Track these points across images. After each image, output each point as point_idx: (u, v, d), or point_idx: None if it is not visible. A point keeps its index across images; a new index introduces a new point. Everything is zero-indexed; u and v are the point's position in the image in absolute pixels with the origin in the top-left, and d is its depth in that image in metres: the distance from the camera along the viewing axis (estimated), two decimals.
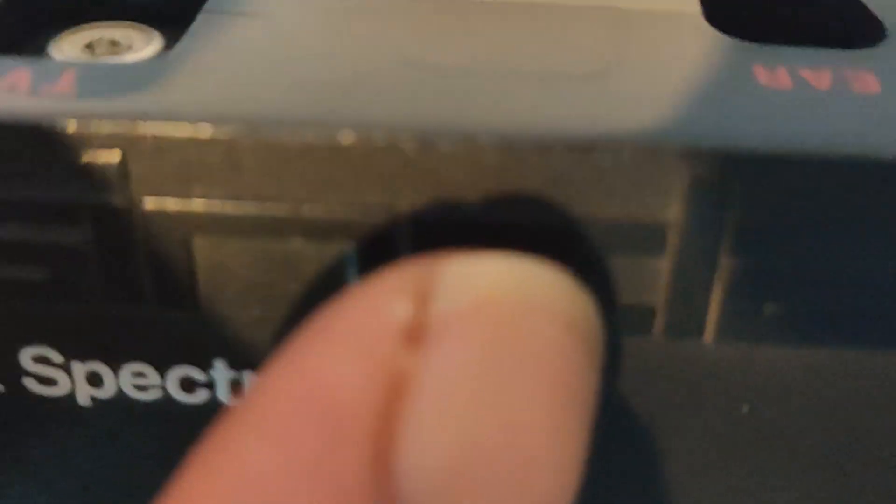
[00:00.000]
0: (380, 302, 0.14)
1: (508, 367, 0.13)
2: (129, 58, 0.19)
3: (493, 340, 0.13)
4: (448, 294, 0.14)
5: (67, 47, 0.19)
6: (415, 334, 0.13)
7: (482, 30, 0.18)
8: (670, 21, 0.19)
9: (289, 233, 0.17)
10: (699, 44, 0.18)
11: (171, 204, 0.17)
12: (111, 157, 0.16)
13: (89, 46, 0.19)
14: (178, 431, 0.19)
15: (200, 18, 0.18)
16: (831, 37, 0.20)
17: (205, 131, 0.16)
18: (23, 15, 0.20)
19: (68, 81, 0.17)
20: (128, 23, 0.20)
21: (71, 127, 0.16)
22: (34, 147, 0.16)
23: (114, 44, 0.19)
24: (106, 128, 0.16)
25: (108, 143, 0.16)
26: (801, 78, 0.17)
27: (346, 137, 0.16)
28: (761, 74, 0.17)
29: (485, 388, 0.13)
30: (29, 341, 0.18)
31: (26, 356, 0.19)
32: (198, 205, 0.16)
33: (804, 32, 0.20)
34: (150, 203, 0.17)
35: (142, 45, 0.19)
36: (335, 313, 0.14)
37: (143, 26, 0.20)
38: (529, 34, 0.18)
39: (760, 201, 0.16)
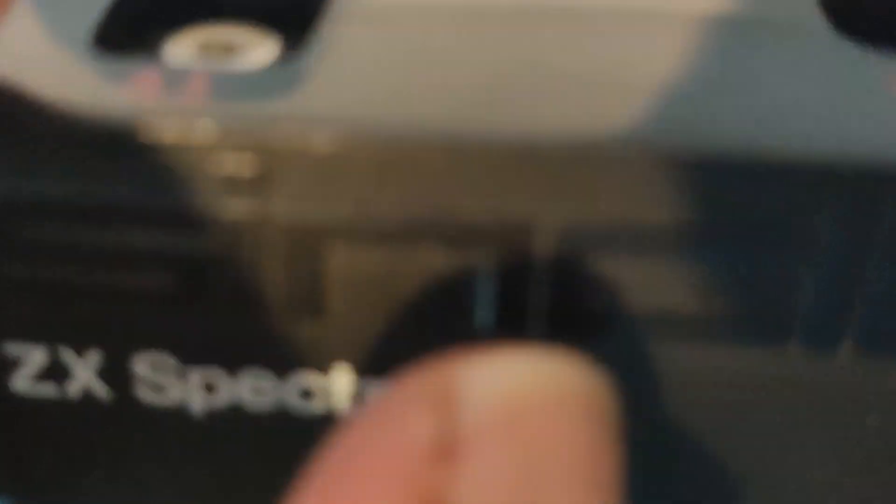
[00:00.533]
0: (403, 417, 0.13)
1: (544, 475, 0.13)
2: (247, 61, 0.18)
3: (527, 448, 0.13)
4: (474, 401, 0.13)
5: (183, 48, 0.19)
6: (444, 449, 0.13)
7: (612, 37, 0.18)
8: (792, 29, 0.18)
9: (423, 241, 0.16)
10: (828, 54, 0.18)
11: (306, 214, 0.16)
12: (247, 167, 0.16)
13: (203, 47, 0.19)
14: (292, 442, 0.18)
15: (325, 23, 0.18)
16: None
17: (342, 141, 0.16)
18: (134, 13, 0.19)
19: (199, 87, 0.16)
20: (241, 25, 0.19)
21: (207, 136, 0.16)
22: (166, 154, 0.16)
23: (228, 46, 0.19)
24: (242, 138, 0.16)
25: (244, 153, 0.16)
26: None
27: (488, 145, 0.16)
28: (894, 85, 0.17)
29: (522, 500, 0.13)
30: (143, 347, 0.18)
31: (140, 363, 0.18)
32: (333, 213, 0.16)
33: None
34: (284, 212, 0.16)
35: (259, 48, 0.19)
36: (356, 436, 0.14)
37: (257, 29, 0.19)
38: (661, 44, 0.18)
39: None
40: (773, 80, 0.17)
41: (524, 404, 0.13)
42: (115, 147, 0.16)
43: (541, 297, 0.17)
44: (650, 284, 0.17)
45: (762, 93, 0.17)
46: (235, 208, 0.16)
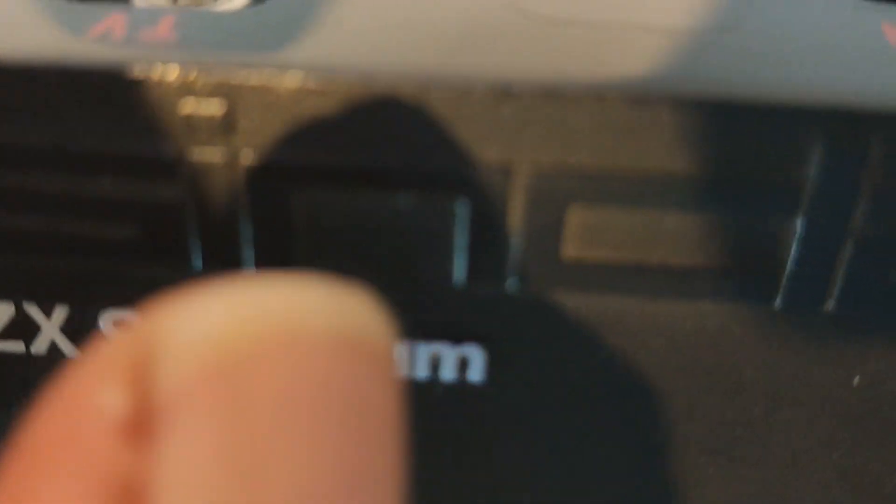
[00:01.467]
0: (88, 391, 0.10)
1: (268, 450, 0.10)
2: (219, 6, 0.18)
3: (242, 414, 0.10)
4: (172, 361, 0.10)
5: None
6: (138, 427, 0.10)
7: None
8: None
9: (396, 187, 0.16)
10: (826, 2, 0.17)
11: (276, 158, 0.16)
12: (214, 108, 0.15)
13: None
14: None
15: None
16: None
17: (314, 82, 0.15)
18: None
19: (167, 28, 0.16)
20: None
21: (173, 75, 0.15)
22: (132, 95, 0.15)
23: None
24: (210, 77, 0.15)
25: (211, 93, 0.15)
26: None
27: (461, 88, 0.15)
28: (891, 34, 0.16)
29: (239, 480, 0.10)
30: (112, 304, 0.18)
31: (107, 320, 0.18)
32: (303, 158, 0.16)
33: None
34: (251, 156, 0.16)
35: None
36: (41, 421, 0.11)
37: None
38: None
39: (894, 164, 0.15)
40: (766, 24, 0.17)
41: (240, 353, 0.10)
42: (79, 91, 0.15)
43: (516, 246, 0.16)
44: (631, 236, 0.16)
45: (756, 37, 0.16)
46: (202, 152, 0.16)
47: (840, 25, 0.17)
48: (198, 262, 0.17)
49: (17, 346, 0.18)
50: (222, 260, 0.17)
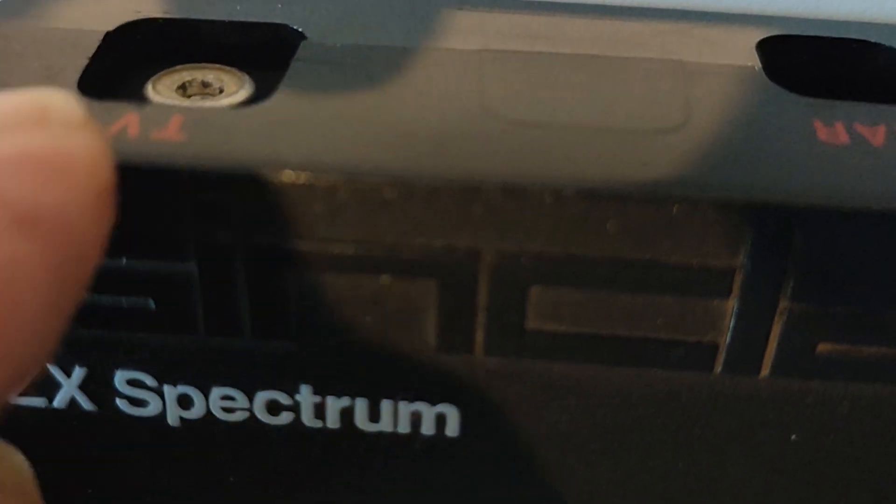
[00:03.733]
0: None
1: None
2: (224, 101, 0.20)
3: None
4: None
5: (162, 88, 0.20)
6: None
7: (556, 82, 0.20)
8: (733, 76, 0.20)
9: (378, 270, 0.18)
10: (762, 99, 0.19)
11: (274, 242, 0.18)
12: (218, 199, 0.17)
13: (182, 87, 0.20)
14: (262, 451, 0.20)
15: (294, 66, 0.20)
16: (886, 89, 0.21)
17: (306, 177, 0.17)
18: (118, 57, 0.21)
19: (176, 127, 0.18)
20: (218, 65, 0.21)
21: (182, 171, 0.17)
22: (147, 187, 0.17)
23: (206, 85, 0.20)
24: (214, 173, 0.17)
25: (215, 185, 0.17)
26: (858, 133, 0.18)
27: (434, 184, 0.17)
28: (820, 130, 0.18)
29: None
30: (126, 365, 0.20)
31: (121, 379, 0.20)
32: (295, 243, 0.18)
33: (860, 86, 0.21)
34: (254, 241, 0.18)
35: (234, 87, 0.20)
36: None
37: (233, 69, 0.21)
38: (600, 87, 0.20)
39: (819, 250, 0.17)
40: (707, 124, 0.19)
41: None
42: None
43: (483, 321, 0.18)
44: (587, 312, 0.18)
45: (698, 136, 0.18)
46: (206, 237, 0.18)
47: (775, 123, 0.19)
48: (202, 331, 0.19)
49: (40, 402, 0.20)
50: (224, 329, 0.19)
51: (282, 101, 0.19)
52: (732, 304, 0.18)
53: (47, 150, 0.14)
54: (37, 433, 0.21)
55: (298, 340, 0.19)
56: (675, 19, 0.23)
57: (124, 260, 0.18)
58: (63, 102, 0.15)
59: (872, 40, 0.22)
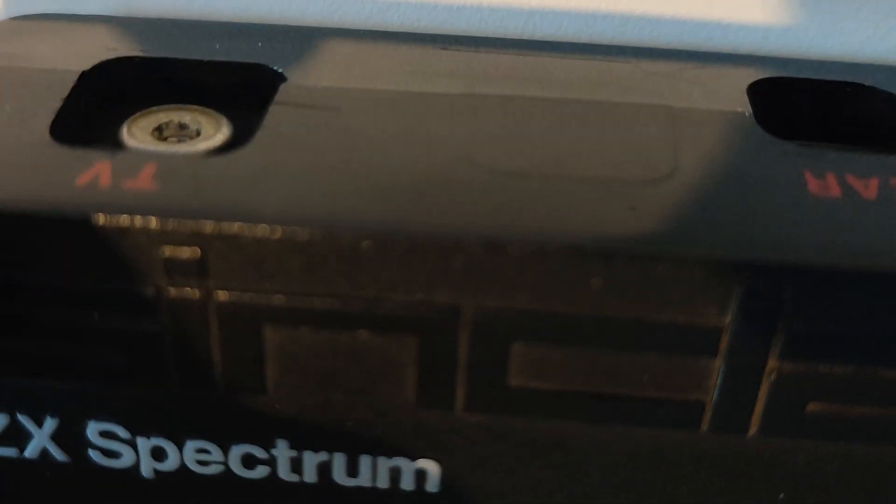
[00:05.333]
0: None
1: None
2: (201, 145, 0.19)
3: None
4: None
5: (138, 131, 0.20)
6: None
7: (541, 129, 0.19)
8: (722, 122, 0.19)
9: (356, 326, 0.17)
10: (752, 148, 0.19)
11: (245, 297, 0.17)
12: (190, 252, 0.17)
13: (158, 129, 0.20)
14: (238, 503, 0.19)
15: (272, 110, 0.19)
16: (877, 131, 0.20)
17: (280, 232, 0.17)
18: (92, 98, 0.20)
19: (148, 176, 0.17)
20: (195, 107, 0.20)
21: (152, 224, 0.17)
22: (117, 240, 0.17)
23: (182, 127, 0.20)
24: (186, 226, 0.17)
25: (187, 240, 0.17)
26: (850, 186, 0.18)
27: (414, 239, 0.17)
28: (811, 182, 0.18)
29: None
30: (97, 417, 0.19)
31: (93, 431, 0.19)
32: (270, 298, 0.17)
33: (853, 129, 0.20)
34: (224, 296, 0.17)
35: (211, 130, 0.20)
36: None
37: (210, 111, 0.20)
38: (586, 134, 0.19)
39: (809, 308, 0.17)
40: (695, 174, 0.18)
41: None
42: (71, 236, 0.17)
43: (463, 377, 0.18)
44: (570, 369, 0.18)
45: (687, 187, 0.18)
46: (178, 292, 0.17)
47: (764, 174, 0.18)
48: (175, 385, 0.18)
49: (11, 452, 0.20)
50: (198, 384, 0.18)
51: (258, 148, 0.18)
52: (720, 363, 0.17)
53: None
54: (8, 484, 0.20)
55: (274, 395, 0.18)
56: (664, 59, 0.22)
57: (96, 315, 0.18)
58: None
59: (866, 83, 0.21)
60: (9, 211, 0.17)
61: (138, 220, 0.17)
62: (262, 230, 0.17)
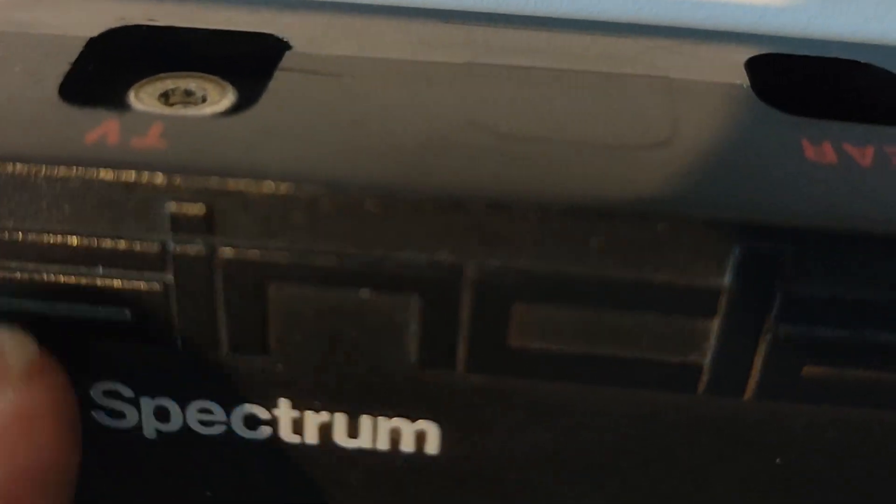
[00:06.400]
0: None
1: None
2: (207, 110, 0.19)
3: None
4: None
5: (145, 96, 0.20)
6: None
7: (545, 96, 0.19)
8: (721, 93, 0.20)
9: (359, 284, 0.18)
10: (750, 118, 0.19)
11: (250, 254, 0.17)
12: (196, 209, 0.17)
13: (164, 96, 0.20)
14: (240, 465, 0.20)
15: (277, 76, 0.19)
16: (874, 109, 0.21)
17: (287, 188, 0.17)
18: (101, 63, 0.21)
19: (156, 134, 0.18)
20: (200, 74, 0.21)
21: (160, 180, 0.17)
22: (124, 196, 0.17)
23: (188, 94, 0.20)
24: (193, 182, 0.17)
25: (194, 196, 0.17)
26: (847, 153, 0.18)
27: (418, 197, 0.17)
28: (808, 149, 0.18)
29: None
30: (102, 377, 0.19)
31: (97, 391, 0.19)
32: (275, 255, 0.17)
33: (850, 106, 0.21)
34: (229, 252, 0.17)
35: (216, 97, 0.20)
36: None
37: (216, 78, 0.21)
38: (587, 102, 0.19)
39: (806, 270, 0.17)
40: (694, 140, 0.18)
41: None
42: (78, 192, 0.17)
43: (465, 337, 0.18)
44: (570, 330, 0.18)
45: (685, 152, 0.18)
46: (184, 248, 0.17)
47: (762, 141, 0.18)
48: (179, 344, 0.19)
49: None
50: (202, 343, 0.18)
51: (265, 110, 0.19)
52: (717, 324, 0.18)
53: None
54: None
55: (277, 355, 0.19)
56: (663, 36, 0.22)
57: (100, 270, 0.18)
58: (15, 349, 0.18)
59: (862, 61, 0.22)
60: (17, 166, 0.17)
61: (146, 176, 0.17)
62: (268, 186, 0.17)
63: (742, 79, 0.20)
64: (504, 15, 0.23)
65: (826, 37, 0.23)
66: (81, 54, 0.20)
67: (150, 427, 0.20)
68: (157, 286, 0.18)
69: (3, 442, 0.17)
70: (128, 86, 0.20)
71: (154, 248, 0.18)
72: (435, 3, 0.23)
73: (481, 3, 0.23)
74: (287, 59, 0.20)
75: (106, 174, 0.17)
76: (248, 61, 0.21)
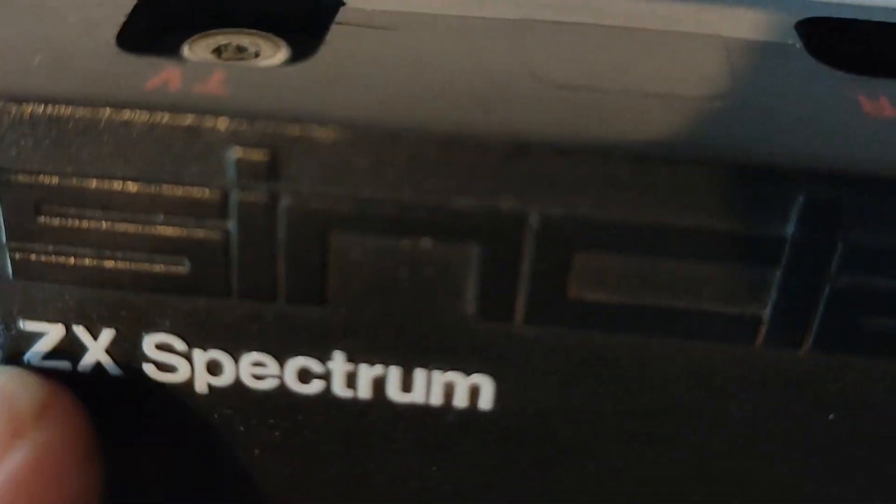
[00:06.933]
0: None
1: None
2: (261, 64, 0.19)
3: None
4: None
5: (198, 49, 0.20)
6: None
7: (602, 51, 0.19)
8: (775, 51, 0.20)
9: (420, 233, 0.18)
10: (805, 74, 0.19)
11: (313, 201, 0.17)
12: (261, 155, 0.17)
13: (217, 51, 0.20)
14: (291, 423, 0.20)
15: (334, 29, 0.19)
16: None
17: (351, 134, 0.17)
18: (154, 18, 0.21)
19: (218, 81, 0.18)
20: (253, 31, 0.21)
21: (225, 125, 0.17)
22: (186, 142, 0.17)
23: (241, 49, 0.20)
24: (257, 128, 0.17)
25: (258, 142, 0.17)
26: None
27: (480, 143, 0.17)
28: (865, 104, 0.18)
29: None
30: (155, 329, 0.19)
31: (149, 343, 0.19)
32: (337, 204, 0.17)
33: None
34: (292, 200, 0.17)
35: (270, 52, 0.20)
36: None
37: (269, 34, 0.21)
38: (643, 56, 0.19)
39: (868, 222, 0.17)
40: (752, 93, 0.18)
41: None
42: (139, 136, 0.17)
43: (525, 287, 0.18)
44: (630, 281, 0.18)
45: (743, 105, 0.18)
46: (246, 195, 0.17)
47: (819, 95, 0.18)
48: (235, 294, 0.18)
49: (65, 365, 0.20)
50: (259, 293, 0.18)
51: (324, 60, 0.19)
52: (778, 275, 0.18)
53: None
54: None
55: (334, 305, 0.19)
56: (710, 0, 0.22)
57: (161, 217, 0.18)
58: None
59: None
60: (78, 110, 0.17)
61: (210, 120, 0.17)
62: (332, 132, 0.17)
63: (794, 39, 0.20)
64: None
65: (871, 3, 0.23)
66: (136, 7, 0.20)
67: (202, 381, 0.20)
68: (216, 234, 0.18)
69: (26, 489, 0.18)
70: (180, 41, 0.20)
71: (216, 195, 0.18)
72: None
73: None
74: (342, 14, 0.20)
75: (169, 118, 0.17)
76: (300, 18, 0.21)
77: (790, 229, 0.17)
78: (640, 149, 0.17)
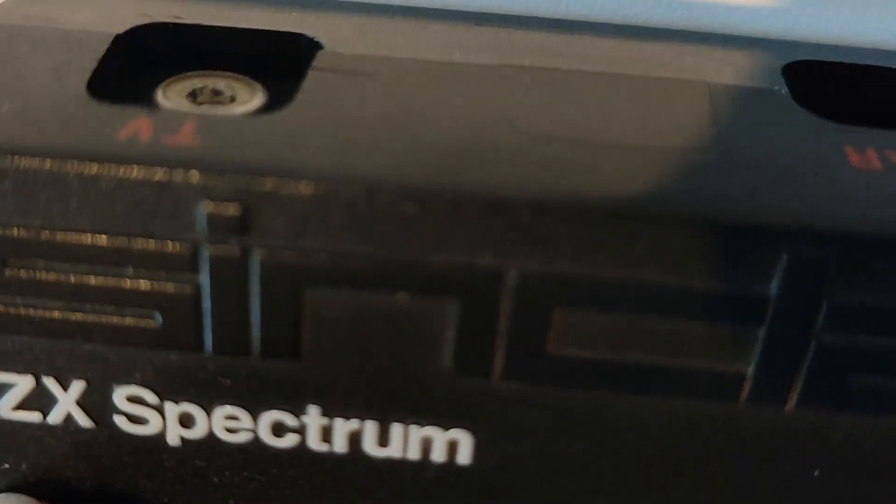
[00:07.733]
0: None
1: None
2: (237, 109, 0.19)
3: None
4: None
5: (172, 95, 0.20)
6: None
7: (582, 99, 0.19)
8: (760, 98, 0.19)
9: (395, 288, 0.17)
10: (791, 123, 0.19)
11: (286, 256, 0.17)
12: (232, 209, 0.17)
13: (192, 94, 0.20)
14: (264, 474, 0.19)
15: (311, 75, 0.19)
16: None
17: (325, 189, 0.17)
18: (128, 61, 0.20)
19: (189, 132, 0.17)
20: (229, 73, 0.20)
21: (196, 178, 0.17)
22: (157, 195, 0.17)
23: (216, 93, 0.20)
24: (229, 181, 0.17)
25: (229, 196, 0.17)
26: (890, 160, 0.18)
27: (457, 199, 0.17)
28: (852, 155, 0.18)
29: None
30: (126, 381, 0.19)
31: (120, 395, 0.19)
32: (311, 258, 0.17)
33: (888, 114, 0.20)
34: (265, 254, 0.17)
35: (246, 96, 0.20)
36: None
37: (245, 77, 0.20)
38: (624, 105, 0.19)
39: (853, 278, 0.17)
40: (736, 145, 0.18)
41: None
42: (109, 190, 0.17)
43: (503, 343, 0.18)
44: (610, 337, 0.18)
45: (727, 157, 0.18)
46: (219, 249, 0.17)
47: (805, 146, 0.18)
48: (210, 349, 0.18)
49: (35, 417, 0.19)
50: (233, 347, 0.18)
51: (299, 109, 0.18)
52: (762, 332, 0.17)
53: None
54: (30, 449, 0.20)
55: (309, 360, 0.18)
56: (696, 41, 0.22)
57: (130, 271, 0.17)
58: None
59: None
60: (47, 162, 0.17)
61: (181, 175, 0.17)
62: (305, 186, 0.16)
63: (780, 84, 0.20)
64: (536, 18, 0.22)
65: (858, 45, 0.23)
66: (108, 51, 0.19)
67: (174, 434, 0.19)
68: (188, 289, 0.17)
69: None
70: (154, 84, 0.20)
71: (187, 249, 0.17)
72: (466, 5, 0.23)
73: (513, 5, 0.23)
74: (320, 59, 0.20)
75: (138, 172, 0.17)
76: (277, 61, 0.20)
77: (774, 288, 0.17)
78: (619, 205, 0.17)
